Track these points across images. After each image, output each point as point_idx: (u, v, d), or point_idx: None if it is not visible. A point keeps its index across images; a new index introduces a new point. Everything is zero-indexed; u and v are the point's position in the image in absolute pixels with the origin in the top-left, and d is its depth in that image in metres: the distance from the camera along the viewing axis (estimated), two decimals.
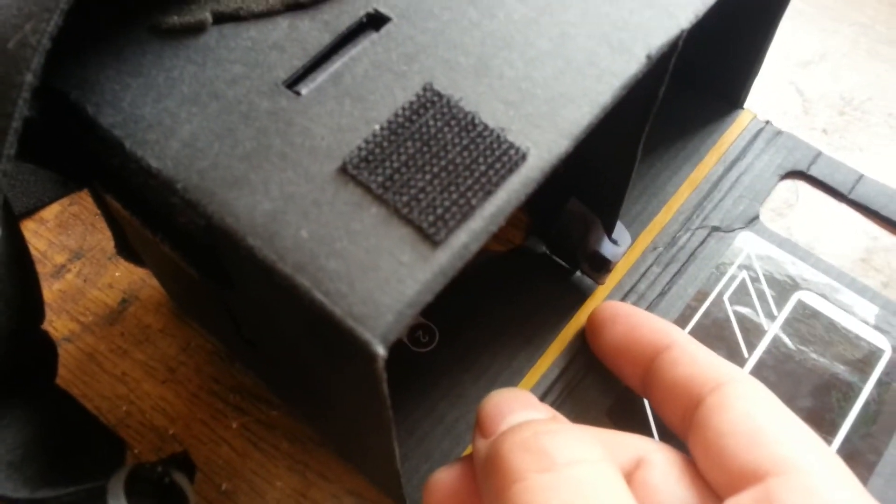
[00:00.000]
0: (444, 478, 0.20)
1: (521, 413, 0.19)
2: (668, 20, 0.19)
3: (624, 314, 0.25)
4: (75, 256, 0.29)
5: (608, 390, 0.27)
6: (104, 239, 0.29)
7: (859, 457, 0.26)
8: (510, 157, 0.17)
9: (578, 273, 0.29)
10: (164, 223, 0.19)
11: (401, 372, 0.27)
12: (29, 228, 0.29)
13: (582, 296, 0.29)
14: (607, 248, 0.27)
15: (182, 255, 0.19)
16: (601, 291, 0.29)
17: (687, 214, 0.31)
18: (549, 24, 0.19)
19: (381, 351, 0.15)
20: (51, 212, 0.30)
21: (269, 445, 0.25)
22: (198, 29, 0.19)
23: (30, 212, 0.30)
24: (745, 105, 0.34)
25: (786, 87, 0.36)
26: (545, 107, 0.17)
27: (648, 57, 0.18)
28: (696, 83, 0.34)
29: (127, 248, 0.25)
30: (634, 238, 0.30)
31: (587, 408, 0.26)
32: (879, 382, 0.27)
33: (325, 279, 0.15)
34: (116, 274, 0.28)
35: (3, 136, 0.15)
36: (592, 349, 0.26)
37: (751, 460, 0.18)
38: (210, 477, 0.24)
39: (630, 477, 0.20)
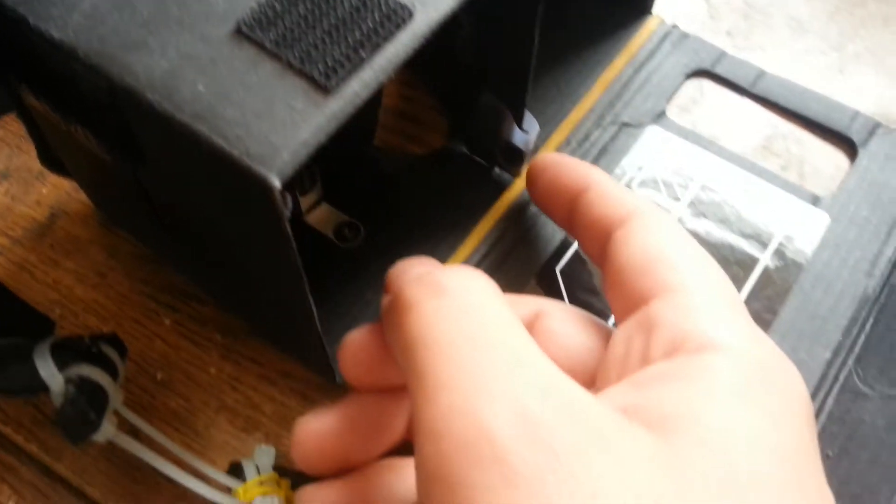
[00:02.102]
0: (356, 335, 0.21)
1: (421, 269, 0.20)
2: None
3: (552, 163, 0.25)
4: (2, 177, 0.29)
5: (525, 273, 0.28)
6: (30, 160, 0.29)
7: (756, 316, 0.28)
8: (397, 14, 0.18)
9: (496, 169, 0.30)
10: (73, 104, 0.20)
11: (328, 264, 0.28)
12: None
13: (500, 189, 0.30)
14: (518, 137, 0.28)
15: (94, 134, 0.20)
16: (518, 184, 0.30)
17: (599, 113, 0.32)
18: None
19: (276, 184, 0.16)
20: None
21: (203, 338, 0.26)
22: None
23: None
24: (654, 11, 0.35)
25: None
26: None
27: None
28: None
29: (49, 158, 0.25)
30: (549, 135, 0.31)
31: (506, 288, 0.28)
32: (775, 252, 0.29)
33: (222, 126, 0.16)
34: (44, 191, 0.29)
35: None
36: (533, 201, 0.27)
37: (641, 286, 0.19)
38: (145, 369, 0.25)
39: (531, 327, 0.21)
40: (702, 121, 0.33)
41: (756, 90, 0.34)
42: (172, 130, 0.17)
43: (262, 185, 0.16)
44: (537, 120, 0.30)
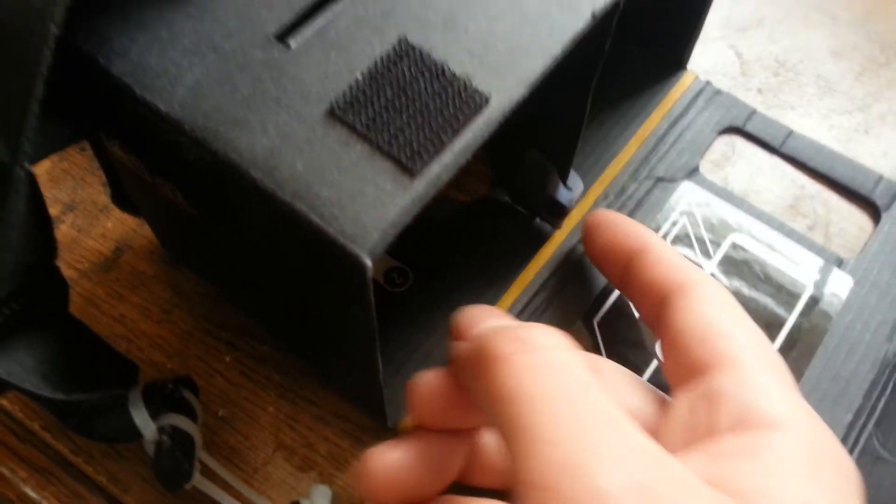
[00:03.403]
0: (429, 379, 0.22)
1: (493, 320, 0.22)
2: None
3: (607, 221, 0.27)
4: (68, 209, 0.30)
5: (564, 325, 0.30)
6: (94, 192, 0.31)
7: None
8: (475, 101, 0.19)
9: (538, 220, 0.32)
10: (167, 166, 0.21)
11: (378, 310, 0.29)
12: None
13: (541, 240, 0.31)
14: (563, 195, 0.29)
15: (182, 192, 0.21)
16: (559, 235, 0.32)
17: (635, 166, 0.34)
18: None
19: (368, 263, 0.17)
20: (41, 168, 0.31)
21: (261, 376, 0.27)
22: None
23: None
24: (689, 67, 0.37)
25: (725, 50, 0.39)
26: (505, 57, 0.20)
27: (593, 15, 0.21)
28: (643, 47, 0.36)
29: (122, 198, 0.27)
30: (588, 188, 0.33)
31: None
32: (802, 313, 0.31)
33: (319, 205, 0.18)
34: (108, 225, 0.30)
35: (34, 80, 0.17)
36: (587, 255, 0.29)
37: (699, 356, 0.20)
38: (207, 405, 0.27)
39: None
40: (733, 178, 0.34)
41: (785, 149, 0.35)
42: (272, 206, 0.18)
43: (355, 263, 0.17)
44: (576, 171, 0.31)
